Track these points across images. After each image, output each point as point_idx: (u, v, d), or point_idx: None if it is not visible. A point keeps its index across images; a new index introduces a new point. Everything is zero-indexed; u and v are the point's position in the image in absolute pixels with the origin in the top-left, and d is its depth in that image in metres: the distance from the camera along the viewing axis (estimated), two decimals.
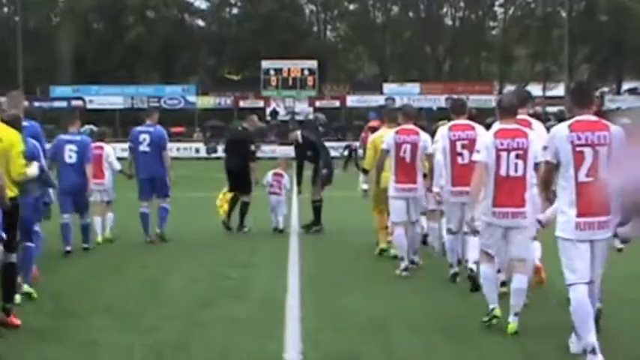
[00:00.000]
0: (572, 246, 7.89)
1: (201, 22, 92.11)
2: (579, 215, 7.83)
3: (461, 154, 11.56)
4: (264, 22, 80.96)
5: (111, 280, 12.67)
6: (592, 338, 7.66)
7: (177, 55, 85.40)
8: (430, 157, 12.60)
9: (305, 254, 14.79)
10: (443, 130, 11.99)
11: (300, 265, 13.63)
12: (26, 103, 62.60)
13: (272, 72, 74.15)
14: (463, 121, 11.79)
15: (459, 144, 11.61)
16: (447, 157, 11.68)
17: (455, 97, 9.82)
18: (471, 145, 11.03)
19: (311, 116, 68.14)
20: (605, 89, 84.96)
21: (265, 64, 74.34)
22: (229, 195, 18.24)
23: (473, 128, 11.67)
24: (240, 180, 18.07)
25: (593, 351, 7.61)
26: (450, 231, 11.86)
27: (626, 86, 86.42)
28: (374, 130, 15.71)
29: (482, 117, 13.46)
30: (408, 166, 12.66)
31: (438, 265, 12.91)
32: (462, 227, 11.42)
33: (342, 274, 12.89)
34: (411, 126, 12.84)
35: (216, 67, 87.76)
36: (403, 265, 12.59)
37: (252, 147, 18.33)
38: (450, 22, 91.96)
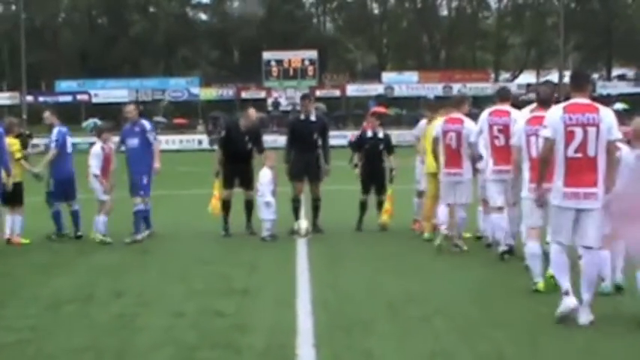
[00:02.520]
0: (558, 211, 8.63)
1: (203, 16, 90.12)
2: (566, 186, 8.51)
3: (497, 137, 12.03)
4: (266, 14, 79.46)
5: (75, 316, 9.31)
6: (566, 283, 8.49)
7: (181, 48, 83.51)
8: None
9: (316, 272, 11.42)
10: (483, 114, 12.39)
11: (312, 291, 10.22)
12: (31, 98, 61.56)
13: (273, 63, 72.67)
14: (502, 107, 12.11)
15: (495, 128, 12.09)
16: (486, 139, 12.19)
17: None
18: (505, 129, 11.87)
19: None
20: (596, 75, 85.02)
21: (266, 55, 73.03)
22: (220, 193, 15.28)
23: (508, 114, 12.08)
24: (241, 175, 15.12)
25: (567, 293, 8.45)
26: (494, 209, 12.08)
27: (615, 72, 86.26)
28: (378, 115, 16.43)
29: (480, 103, 14.84)
30: (454, 153, 12.91)
31: None
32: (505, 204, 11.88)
33: (367, 303, 9.51)
34: (457, 115, 12.99)
35: (219, 59, 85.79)
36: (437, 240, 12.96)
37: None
38: (445, 12, 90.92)
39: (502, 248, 11.90)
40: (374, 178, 15.53)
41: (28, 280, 11.41)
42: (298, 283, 10.70)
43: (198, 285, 10.71)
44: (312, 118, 15.42)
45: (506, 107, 12.22)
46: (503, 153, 11.60)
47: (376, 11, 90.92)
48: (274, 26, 79.49)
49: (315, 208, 15.38)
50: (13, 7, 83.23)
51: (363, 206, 15.57)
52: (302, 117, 15.51)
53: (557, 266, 8.66)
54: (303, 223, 14.77)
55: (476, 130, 12.52)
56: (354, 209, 15.69)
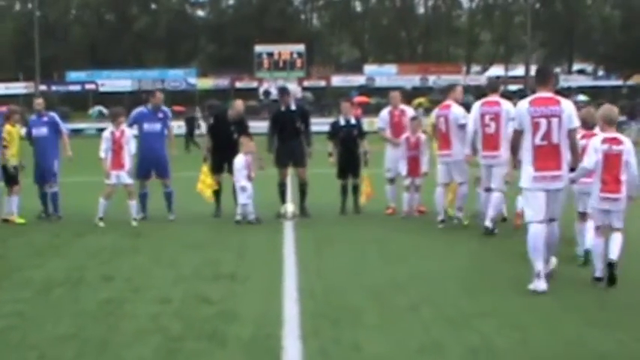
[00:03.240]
0: (530, 194, 8.70)
1: (201, 12, 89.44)
2: (535, 170, 8.62)
3: (488, 125, 11.86)
4: (258, 10, 78.85)
5: (64, 301, 8.42)
6: (539, 266, 8.40)
7: (180, 41, 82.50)
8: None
9: (302, 258, 10.50)
10: (475, 104, 12.19)
11: (298, 277, 9.31)
12: (44, 87, 61.03)
13: (264, 55, 72.65)
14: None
15: (487, 117, 11.89)
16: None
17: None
18: (496, 118, 11.84)
19: (299, 95, 65.87)
20: (558, 69, 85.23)
21: (258, 48, 72.87)
22: (209, 180, 14.40)
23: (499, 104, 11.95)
24: (229, 161, 14.11)
25: (538, 275, 8.37)
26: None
27: (576, 67, 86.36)
28: (360, 104, 14.31)
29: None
30: (445, 136, 12.82)
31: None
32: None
33: (354, 291, 8.59)
34: (495, 98, 12.15)
35: (215, 51, 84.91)
36: (439, 218, 12.78)
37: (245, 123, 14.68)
38: (422, 10, 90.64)
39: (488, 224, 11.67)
40: (350, 162, 14.65)
41: (23, 263, 10.49)
42: (285, 269, 9.76)
43: (187, 270, 9.79)
44: (293, 107, 14.60)
45: (497, 98, 12.07)
46: (493, 140, 11.77)
47: (359, 9, 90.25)
48: (266, 22, 78.68)
49: (302, 192, 14.49)
50: (29, 5, 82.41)
51: (344, 190, 14.73)
52: (282, 108, 14.58)
53: (535, 248, 8.50)
54: (290, 207, 13.89)
55: (463, 113, 12.59)
56: (334, 193, 14.87)
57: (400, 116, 14.75)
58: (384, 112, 15.01)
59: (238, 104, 14.80)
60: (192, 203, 15.08)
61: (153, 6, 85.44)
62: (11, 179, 14.16)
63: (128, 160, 13.74)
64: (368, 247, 11.14)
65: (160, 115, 14.52)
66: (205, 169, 14.44)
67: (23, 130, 14.85)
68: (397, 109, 14.87)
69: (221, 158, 14.31)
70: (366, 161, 14.71)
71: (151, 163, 14.31)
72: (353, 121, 14.89)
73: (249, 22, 78.88)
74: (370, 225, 13.24)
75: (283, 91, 15.08)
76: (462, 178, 12.80)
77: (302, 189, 14.45)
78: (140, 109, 14.80)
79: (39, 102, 15.06)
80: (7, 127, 14.23)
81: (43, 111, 14.81)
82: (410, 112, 15.09)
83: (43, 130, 14.48)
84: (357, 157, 14.73)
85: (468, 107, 12.68)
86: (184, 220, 14.07)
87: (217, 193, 14.51)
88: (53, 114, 14.99)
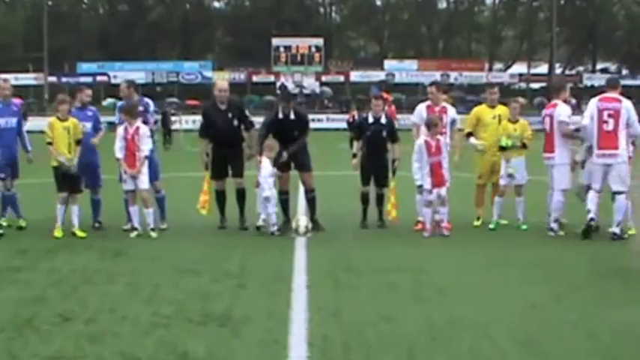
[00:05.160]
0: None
1: (217, 3, 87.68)
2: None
3: (606, 122, 11.34)
4: (276, 2, 77.01)
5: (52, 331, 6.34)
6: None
7: (195, 33, 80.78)
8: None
9: (315, 290, 8.33)
10: (592, 100, 11.74)
11: (309, 321, 7.15)
12: (54, 79, 59.81)
13: (282, 49, 71.49)
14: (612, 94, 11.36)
15: (605, 113, 11.36)
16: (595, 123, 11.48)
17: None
18: (615, 114, 11.33)
19: (317, 90, 64.13)
20: (581, 68, 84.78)
21: (275, 41, 71.73)
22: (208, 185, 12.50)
23: (619, 101, 11.44)
24: (231, 161, 12.34)
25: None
26: (590, 188, 11.58)
27: (599, 66, 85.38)
28: (383, 99, 13.22)
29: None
30: (549, 136, 12.00)
31: None
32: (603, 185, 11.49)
33: (379, 346, 6.42)
34: (613, 94, 11.56)
35: (231, 44, 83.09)
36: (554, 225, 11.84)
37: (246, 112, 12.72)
38: (443, 5, 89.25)
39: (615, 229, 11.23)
40: (375, 168, 12.52)
41: None
42: (293, 308, 7.59)
43: (168, 308, 7.61)
44: (292, 117, 12.33)
45: (616, 94, 11.50)
46: (611, 138, 11.30)
47: (379, 3, 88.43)
48: (283, 14, 76.79)
49: (311, 200, 12.42)
50: None
51: (365, 199, 12.65)
52: (280, 115, 12.33)
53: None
54: (302, 220, 11.74)
55: (568, 112, 11.94)
56: (355, 199, 12.78)
57: (441, 114, 12.60)
58: (421, 107, 12.86)
59: (220, 83, 12.84)
60: (187, 209, 12.99)
61: None
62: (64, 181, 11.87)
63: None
64: (396, 279, 8.88)
65: (89, 113, 12.64)
66: (208, 177, 12.43)
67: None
68: (437, 106, 12.73)
69: (222, 159, 12.34)
70: (394, 170, 12.57)
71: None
72: (384, 119, 12.68)
73: (266, 14, 77.07)
74: (397, 245, 11.06)
75: (288, 96, 12.99)
76: (562, 184, 11.75)
77: (309, 197, 12.41)
78: None
79: (88, 93, 12.91)
80: (53, 120, 11.90)
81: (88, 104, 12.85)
82: (452, 112, 12.85)
83: (87, 126, 12.36)
84: (384, 162, 12.60)
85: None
86: (179, 232, 12.01)
87: (221, 202, 12.48)
88: (95, 108, 12.98)
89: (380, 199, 12.57)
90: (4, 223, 12.40)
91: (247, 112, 12.77)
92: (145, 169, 11.81)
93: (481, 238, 11.77)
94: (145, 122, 12.15)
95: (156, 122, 12.61)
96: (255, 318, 7.25)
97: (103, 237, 11.68)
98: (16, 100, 13.06)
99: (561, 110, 11.79)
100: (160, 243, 11.31)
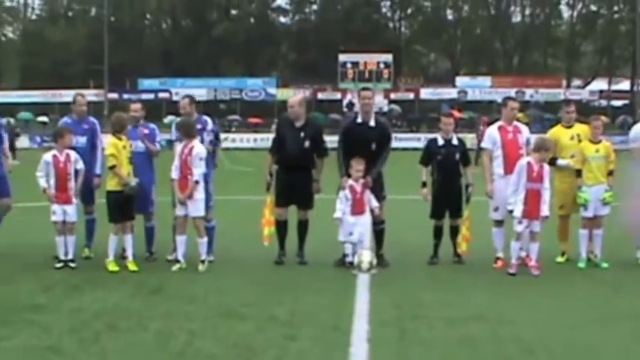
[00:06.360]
0: None
1: (282, 19, 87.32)
2: None
3: None
4: (344, 16, 76.29)
5: None
6: None
7: (260, 49, 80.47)
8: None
9: (378, 346, 7.14)
10: None
11: None
12: (115, 95, 60.20)
13: (349, 65, 70.72)
14: None
15: None
16: None
17: None
18: None
19: (385, 108, 63.24)
20: None
21: (342, 57, 70.98)
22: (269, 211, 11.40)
23: None
24: (298, 188, 11.25)
25: None
26: None
27: None
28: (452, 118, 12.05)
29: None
30: None
31: None
32: None
33: None
34: None
35: (296, 60, 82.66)
36: None
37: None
38: (518, 19, 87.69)
39: None
40: (449, 197, 11.27)
41: None
42: None
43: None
44: (372, 123, 11.19)
45: None
46: None
47: (450, 17, 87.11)
48: (351, 28, 75.95)
49: (379, 233, 11.23)
50: (105, 11, 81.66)
51: (439, 233, 11.41)
52: (359, 120, 11.22)
53: None
54: (367, 256, 10.51)
55: None
56: (426, 227, 11.59)
57: (515, 134, 11.36)
58: (493, 130, 11.53)
59: (292, 99, 11.75)
60: (236, 239, 11.93)
61: (233, 11, 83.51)
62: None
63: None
64: (472, 331, 7.62)
65: (86, 126, 11.80)
66: (270, 200, 11.38)
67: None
68: (511, 125, 11.49)
69: (287, 184, 11.25)
70: (468, 197, 11.34)
71: None
72: (455, 141, 11.48)
73: (333, 28, 76.42)
74: (475, 288, 9.80)
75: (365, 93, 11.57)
76: None
77: (378, 231, 11.22)
78: (64, 119, 12.18)
79: (136, 107, 11.89)
80: (113, 140, 10.91)
81: (142, 120, 11.87)
82: (526, 131, 11.61)
83: (140, 145, 11.47)
84: (458, 189, 11.34)
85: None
86: (226, 266, 10.96)
87: (282, 232, 11.40)
88: (151, 125, 11.94)
89: (455, 232, 11.35)
90: (92, 255, 11.56)
91: (324, 137, 11.55)
92: (199, 195, 10.78)
93: (574, 279, 10.43)
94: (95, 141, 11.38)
95: (211, 142, 11.52)
96: None
97: (142, 269, 10.67)
98: (91, 119, 12.09)
99: None
100: (203, 279, 10.22)
